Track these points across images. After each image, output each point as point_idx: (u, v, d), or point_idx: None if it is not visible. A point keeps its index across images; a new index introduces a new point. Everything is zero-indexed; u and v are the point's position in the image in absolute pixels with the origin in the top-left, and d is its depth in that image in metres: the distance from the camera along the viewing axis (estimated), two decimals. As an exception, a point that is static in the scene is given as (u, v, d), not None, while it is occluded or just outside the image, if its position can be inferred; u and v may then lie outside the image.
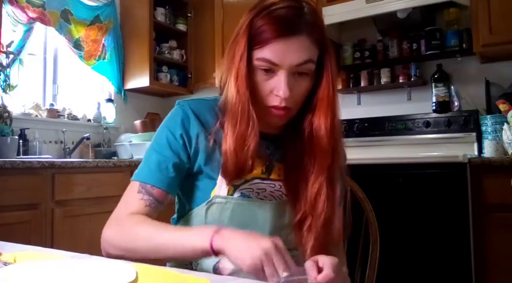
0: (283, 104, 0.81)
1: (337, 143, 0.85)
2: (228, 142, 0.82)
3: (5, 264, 0.62)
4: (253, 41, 0.81)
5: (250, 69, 0.82)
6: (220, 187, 0.87)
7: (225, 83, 0.87)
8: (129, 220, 0.82)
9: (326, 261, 0.69)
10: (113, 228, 0.83)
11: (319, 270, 0.68)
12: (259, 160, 0.86)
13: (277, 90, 0.81)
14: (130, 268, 0.57)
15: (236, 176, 0.84)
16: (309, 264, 0.69)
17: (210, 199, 0.87)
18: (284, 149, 0.91)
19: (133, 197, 0.85)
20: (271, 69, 0.81)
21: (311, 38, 0.81)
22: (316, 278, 0.66)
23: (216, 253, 0.70)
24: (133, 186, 0.86)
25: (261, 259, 0.65)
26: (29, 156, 2.55)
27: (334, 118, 0.84)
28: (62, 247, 0.92)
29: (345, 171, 0.93)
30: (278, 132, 0.91)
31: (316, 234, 0.83)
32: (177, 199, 0.97)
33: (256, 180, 0.88)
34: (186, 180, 0.90)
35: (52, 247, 0.96)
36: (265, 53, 0.79)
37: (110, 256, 0.80)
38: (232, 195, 0.87)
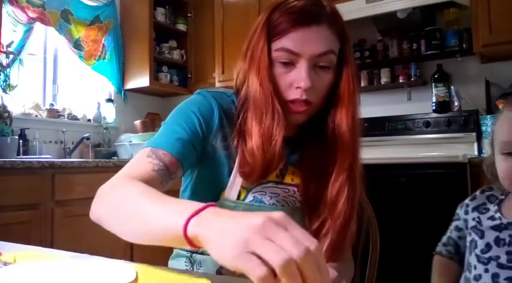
0: (304, 97, 0.76)
1: (357, 141, 0.81)
2: (254, 139, 0.77)
3: (5, 264, 0.62)
4: (272, 34, 0.78)
5: (270, 63, 0.78)
6: (231, 190, 0.82)
7: (242, 82, 0.84)
8: (121, 183, 0.69)
9: None
10: (103, 190, 0.73)
11: None
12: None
13: (297, 81, 0.76)
14: (130, 269, 0.57)
15: (262, 175, 0.78)
16: None
17: (217, 202, 0.83)
18: (301, 153, 0.87)
19: (141, 160, 0.74)
20: (291, 62, 0.77)
21: (332, 28, 0.78)
22: None
23: (191, 242, 0.48)
24: (143, 151, 0.75)
25: (247, 241, 0.40)
26: (29, 156, 2.55)
27: (355, 114, 0.80)
28: (62, 247, 0.92)
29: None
30: (293, 135, 0.86)
31: (332, 236, 0.77)
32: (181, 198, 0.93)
33: (270, 184, 0.84)
34: (195, 175, 0.86)
35: (52, 247, 0.96)
36: (284, 42, 0.76)
37: (93, 217, 0.73)
38: (244, 198, 0.83)
